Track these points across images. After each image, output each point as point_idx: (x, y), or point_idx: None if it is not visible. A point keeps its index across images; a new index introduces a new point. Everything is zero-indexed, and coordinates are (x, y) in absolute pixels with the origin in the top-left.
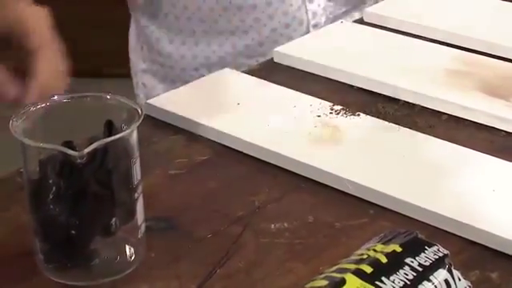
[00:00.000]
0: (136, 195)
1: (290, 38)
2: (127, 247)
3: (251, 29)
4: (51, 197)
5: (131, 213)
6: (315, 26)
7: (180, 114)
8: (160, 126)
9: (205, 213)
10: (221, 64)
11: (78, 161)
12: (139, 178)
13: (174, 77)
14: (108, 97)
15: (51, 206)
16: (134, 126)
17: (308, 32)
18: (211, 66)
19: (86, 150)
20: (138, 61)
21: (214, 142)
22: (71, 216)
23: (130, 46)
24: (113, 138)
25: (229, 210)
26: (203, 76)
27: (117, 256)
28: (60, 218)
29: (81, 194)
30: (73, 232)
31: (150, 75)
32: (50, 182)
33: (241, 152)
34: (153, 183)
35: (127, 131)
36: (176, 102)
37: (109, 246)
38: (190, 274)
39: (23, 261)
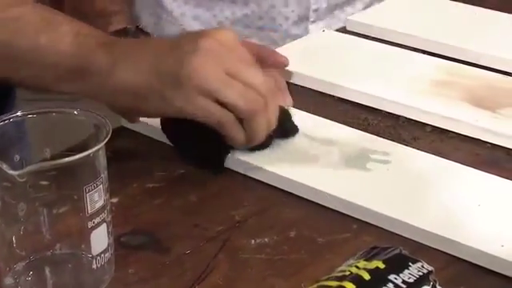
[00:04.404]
0: (91, 224)
1: (286, 18)
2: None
3: (251, 0)
4: None
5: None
6: (315, 10)
7: (157, 126)
8: (137, 137)
9: (184, 227)
10: None
11: (19, 179)
12: (101, 204)
13: (171, 33)
14: (75, 112)
15: None
16: (100, 146)
17: (307, 15)
18: None
19: (27, 170)
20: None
21: None
22: None
23: None
24: (68, 159)
25: (208, 224)
26: None
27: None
28: None
29: None
30: None
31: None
32: None
33: None
34: (130, 197)
35: (90, 151)
36: None
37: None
38: None
39: None
